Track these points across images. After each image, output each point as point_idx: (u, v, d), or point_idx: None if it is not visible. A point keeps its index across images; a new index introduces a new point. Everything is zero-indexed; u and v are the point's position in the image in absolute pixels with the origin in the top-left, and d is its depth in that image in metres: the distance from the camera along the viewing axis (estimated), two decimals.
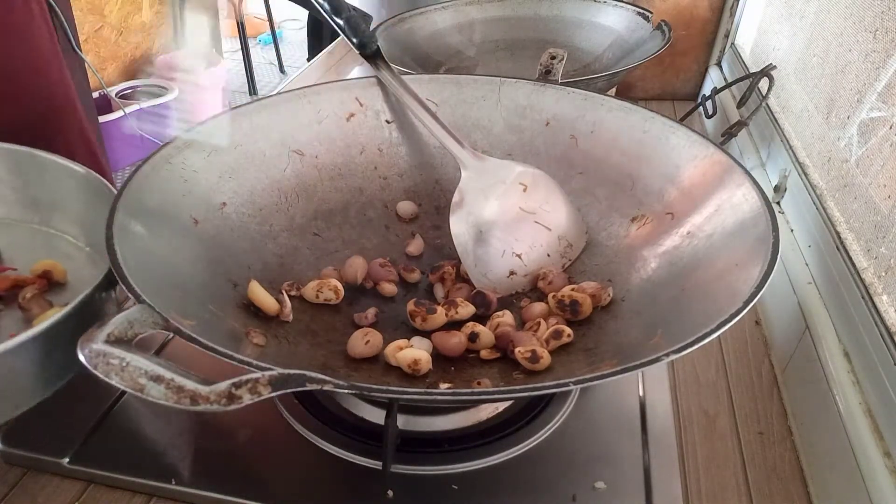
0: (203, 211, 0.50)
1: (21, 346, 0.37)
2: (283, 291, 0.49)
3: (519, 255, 0.53)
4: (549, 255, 0.54)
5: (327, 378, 0.32)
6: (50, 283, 0.50)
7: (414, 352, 0.45)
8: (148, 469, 0.45)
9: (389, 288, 0.53)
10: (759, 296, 0.37)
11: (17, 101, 0.64)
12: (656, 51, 0.79)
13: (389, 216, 0.60)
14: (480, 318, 0.50)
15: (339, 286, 0.51)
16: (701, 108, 0.81)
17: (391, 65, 0.60)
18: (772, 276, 0.38)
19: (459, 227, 0.52)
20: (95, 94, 1.80)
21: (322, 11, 0.61)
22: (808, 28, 0.75)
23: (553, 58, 0.64)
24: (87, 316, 0.40)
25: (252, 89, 2.82)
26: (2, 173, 0.54)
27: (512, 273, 0.53)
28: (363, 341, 0.46)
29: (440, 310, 0.49)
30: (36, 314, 0.47)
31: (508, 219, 0.53)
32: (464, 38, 0.99)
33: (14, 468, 0.47)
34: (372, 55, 0.60)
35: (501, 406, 0.50)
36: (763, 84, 0.73)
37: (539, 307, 0.50)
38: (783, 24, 0.84)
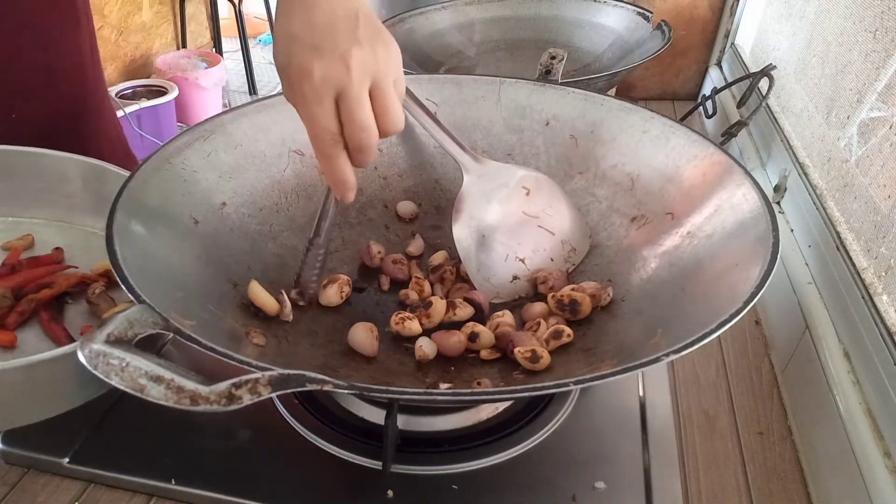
0: (203, 211, 0.50)
1: None
2: (284, 292, 0.49)
3: (522, 260, 0.53)
4: (552, 260, 0.54)
5: (327, 378, 0.32)
6: (110, 282, 0.54)
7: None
8: (148, 469, 0.45)
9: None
10: (759, 296, 0.37)
11: (58, 96, 0.65)
12: (656, 51, 0.79)
13: (389, 216, 0.60)
14: (480, 318, 0.50)
15: (347, 285, 0.51)
16: (701, 108, 0.81)
17: None
18: (772, 276, 0.38)
19: (462, 231, 0.52)
20: None
21: None
22: (808, 28, 0.75)
23: (553, 58, 0.64)
24: None
25: (252, 89, 2.82)
26: (61, 181, 0.59)
27: (515, 278, 0.53)
28: (363, 332, 0.47)
29: (435, 300, 0.49)
30: (104, 309, 0.51)
31: (511, 223, 0.53)
32: (464, 38, 0.99)
33: (14, 468, 0.47)
34: None
35: (501, 406, 0.50)
36: (763, 84, 0.73)
37: (539, 307, 0.50)
38: (783, 24, 0.84)
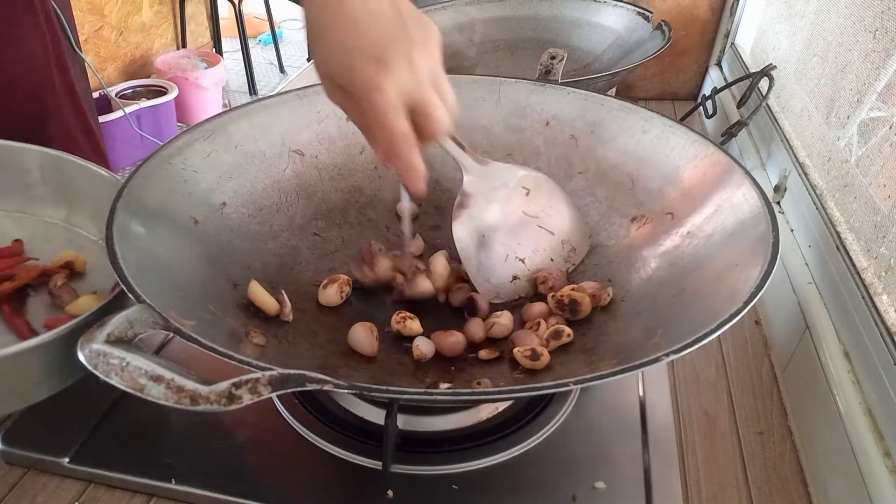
0: (203, 211, 0.50)
1: (62, 335, 0.40)
2: (283, 292, 0.49)
3: (522, 260, 0.53)
4: (552, 260, 0.54)
5: (327, 378, 0.32)
6: (71, 273, 0.54)
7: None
8: (148, 469, 0.45)
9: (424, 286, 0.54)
10: (759, 296, 0.37)
11: (13, 105, 0.65)
12: (656, 51, 0.79)
13: (389, 216, 0.60)
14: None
15: (347, 285, 0.52)
16: (701, 108, 0.81)
17: None
18: (772, 276, 0.38)
19: (462, 231, 0.52)
20: (95, 95, 1.81)
21: None
22: (808, 28, 0.75)
23: (553, 58, 0.64)
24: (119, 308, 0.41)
25: (252, 89, 2.82)
26: (18, 171, 0.58)
27: (515, 278, 0.53)
28: (363, 332, 0.47)
29: (421, 278, 0.51)
30: (67, 301, 0.51)
31: (511, 223, 0.53)
32: (464, 38, 0.99)
33: (14, 468, 0.47)
34: None
35: (501, 406, 0.50)
36: (763, 84, 0.73)
37: (539, 307, 0.50)
38: (783, 24, 0.84)
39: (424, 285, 0.51)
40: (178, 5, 2.66)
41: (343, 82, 0.38)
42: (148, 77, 2.35)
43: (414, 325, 0.48)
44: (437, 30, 0.39)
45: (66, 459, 0.46)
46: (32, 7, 0.65)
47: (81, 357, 0.32)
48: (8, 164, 0.58)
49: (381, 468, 0.43)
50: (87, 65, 0.94)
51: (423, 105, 0.38)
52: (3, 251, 0.56)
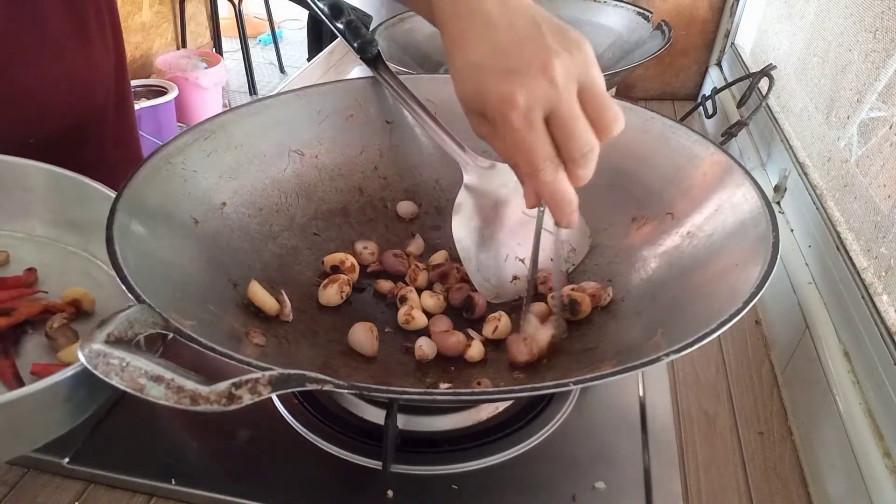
0: (203, 211, 0.50)
1: (45, 389, 0.36)
2: (283, 292, 0.49)
3: (522, 260, 0.53)
4: (552, 260, 0.54)
5: (327, 378, 0.32)
6: (78, 312, 0.49)
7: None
8: (148, 469, 0.45)
9: (387, 285, 0.54)
10: (759, 296, 0.37)
11: (76, 112, 0.64)
12: (656, 51, 0.79)
13: (389, 216, 0.60)
14: (472, 321, 0.50)
15: (347, 285, 0.52)
16: (701, 108, 0.81)
17: (391, 69, 0.60)
18: (772, 276, 0.38)
19: (462, 231, 0.52)
20: None
21: (322, 15, 0.60)
22: (808, 28, 0.75)
23: None
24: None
25: (252, 89, 2.82)
26: (45, 194, 0.55)
27: (515, 278, 0.53)
28: (363, 332, 0.47)
29: (411, 294, 0.51)
30: (62, 345, 0.46)
31: (511, 223, 0.53)
32: None
33: (14, 468, 0.47)
34: (372, 59, 0.60)
35: (501, 406, 0.50)
36: (763, 84, 0.73)
37: (539, 307, 0.50)
38: (783, 24, 0.84)
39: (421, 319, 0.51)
40: (178, 5, 2.66)
41: (478, 105, 0.35)
42: (148, 77, 2.35)
43: (420, 318, 0.48)
44: (587, 42, 0.36)
45: (66, 459, 0.46)
46: (101, 22, 0.64)
47: (81, 357, 0.32)
48: (43, 185, 0.54)
49: (381, 468, 0.44)
50: None
51: (565, 121, 0.34)
52: (9, 281, 0.51)
